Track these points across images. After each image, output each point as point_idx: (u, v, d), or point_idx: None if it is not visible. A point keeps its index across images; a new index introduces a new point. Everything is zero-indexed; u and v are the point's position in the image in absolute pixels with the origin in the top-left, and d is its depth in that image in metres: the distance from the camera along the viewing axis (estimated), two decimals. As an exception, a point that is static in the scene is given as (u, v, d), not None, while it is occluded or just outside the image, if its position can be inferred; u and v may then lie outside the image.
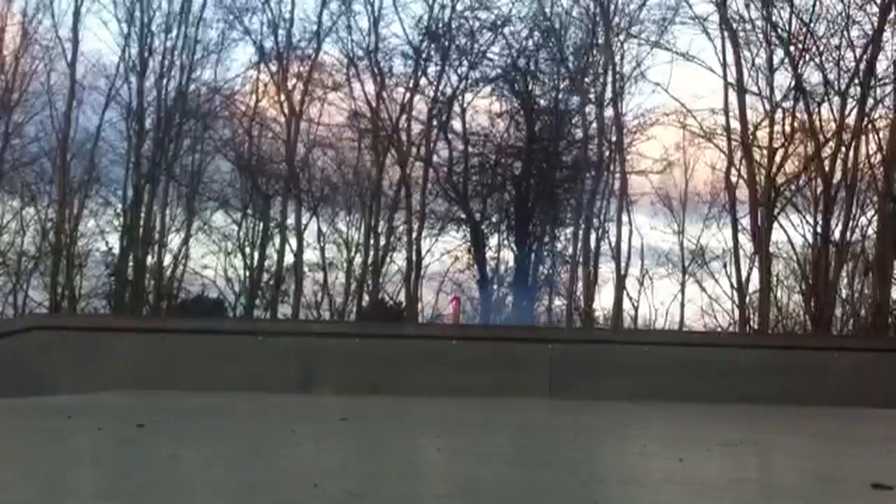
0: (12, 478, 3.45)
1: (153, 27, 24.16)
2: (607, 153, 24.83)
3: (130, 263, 23.63)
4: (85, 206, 23.99)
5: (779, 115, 22.79)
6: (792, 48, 22.65)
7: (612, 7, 24.36)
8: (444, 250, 25.84)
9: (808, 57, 22.61)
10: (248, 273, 24.79)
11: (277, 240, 24.48)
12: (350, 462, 4.34)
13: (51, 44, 24.07)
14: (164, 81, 23.94)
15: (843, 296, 23.61)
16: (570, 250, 25.07)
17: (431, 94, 24.68)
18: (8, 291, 24.02)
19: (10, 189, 24.23)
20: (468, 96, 25.16)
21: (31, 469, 3.75)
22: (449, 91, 24.84)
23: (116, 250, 23.85)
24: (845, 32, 22.14)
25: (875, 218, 22.28)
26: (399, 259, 24.82)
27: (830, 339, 17.03)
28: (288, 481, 3.44)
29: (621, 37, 24.58)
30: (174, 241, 24.54)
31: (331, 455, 4.64)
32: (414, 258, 23.98)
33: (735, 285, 23.68)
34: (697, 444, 5.66)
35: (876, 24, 21.85)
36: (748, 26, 23.06)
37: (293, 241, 24.32)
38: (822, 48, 22.43)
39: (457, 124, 25.17)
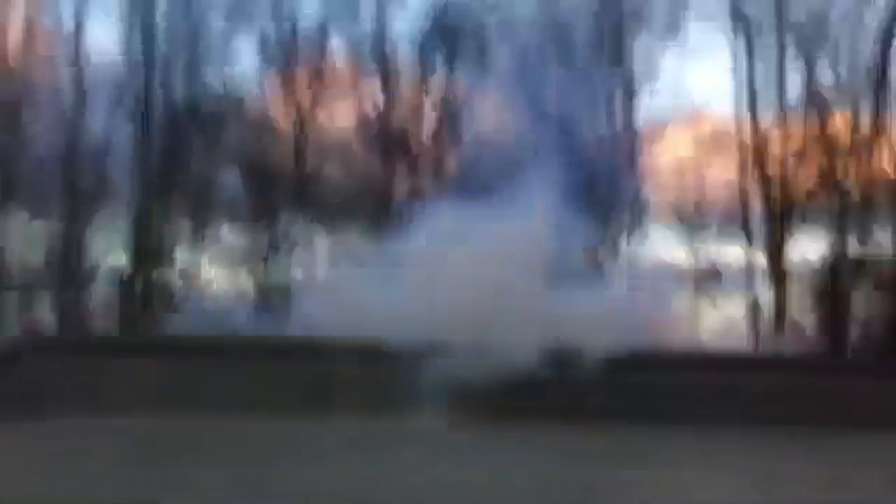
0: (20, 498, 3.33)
1: (158, 30, 24.01)
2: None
3: (138, 278, 23.47)
4: (92, 220, 23.79)
5: (792, 122, 22.72)
6: (806, 55, 22.62)
7: (623, 7, 24.28)
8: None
9: (822, 64, 22.58)
10: (256, 286, 24.59)
11: (286, 251, 24.29)
12: None
13: (54, 46, 23.93)
14: (170, 85, 23.85)
15: (860, 314, 23.22)
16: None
17: (440, 95, 24.69)
18: (14, 307, 23.81)
19: (17, 200, 24.03)
20: (476, 97, 25.08)
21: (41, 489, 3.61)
22: (457, 92, 24.81)
23: (124, 265, 23.67)
24: (861, 40, 22.13)
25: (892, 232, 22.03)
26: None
27: (845, 360, 16.81)
28: None
29: (632, 37, 24.49)
30: (182, 254, 24.35)
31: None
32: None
33: (748, 302, 23.31)
34: (710, 466, 5.51)
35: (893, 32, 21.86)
36: (762, 31, 23.04)
37: (302, 253, 24.12)
38: (837, 55, 22.44)
39: (465, 125, 25.10)
